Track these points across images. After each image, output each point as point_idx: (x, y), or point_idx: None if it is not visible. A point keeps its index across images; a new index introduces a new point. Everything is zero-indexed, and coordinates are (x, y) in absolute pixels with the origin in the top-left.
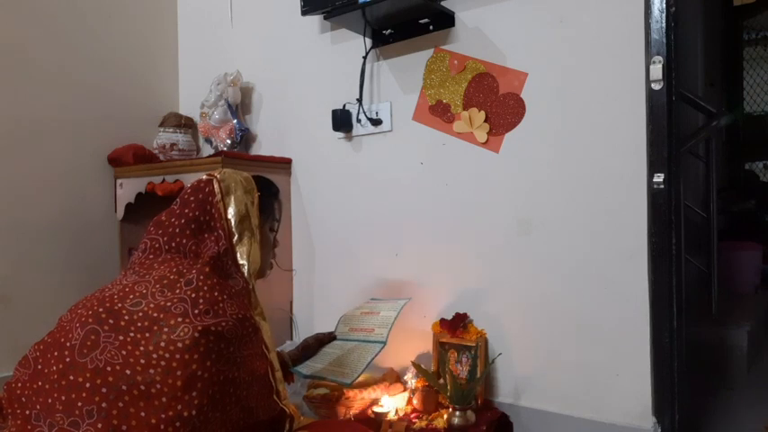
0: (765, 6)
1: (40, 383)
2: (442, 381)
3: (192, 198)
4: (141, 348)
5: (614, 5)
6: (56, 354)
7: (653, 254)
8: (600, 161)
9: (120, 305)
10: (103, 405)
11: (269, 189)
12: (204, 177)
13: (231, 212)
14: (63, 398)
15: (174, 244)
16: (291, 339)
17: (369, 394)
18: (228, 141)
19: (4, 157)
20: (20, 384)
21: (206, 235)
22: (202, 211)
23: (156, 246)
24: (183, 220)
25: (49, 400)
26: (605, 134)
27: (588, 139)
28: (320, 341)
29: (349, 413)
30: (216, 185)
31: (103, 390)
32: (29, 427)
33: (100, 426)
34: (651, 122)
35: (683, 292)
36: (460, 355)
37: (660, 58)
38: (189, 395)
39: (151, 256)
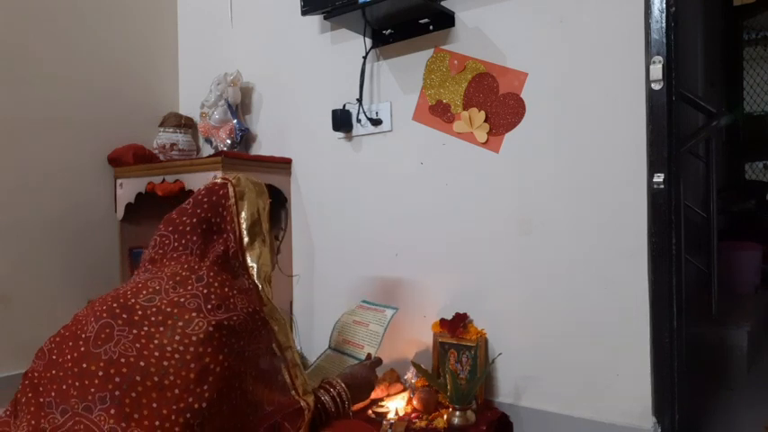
0: (765, 6)
1: (54, 372)
2: (441, 380)
3: (205, 199)
4: (155, 341)
5: (614, 5)
6: (70, 344)
7: (653, 254)
8: (600, 161)
9: (133, 300)
10: (116, 393)
11: (277, 198)
12: (219, 180)
13: (244, 216)
14: (77, 383)
15: (183, 241)
16: None
17: None
18: (228, 141)
19: (3, 156)
20: (36, 374)
21: (215, 237)
22: (214, 212)
23: (166, 242)
24: (194, 219)
25: (63, 387)
26: (605, 134)
27: (588, 139)
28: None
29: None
30: (230, 189)
31: (117, 379)
32: (42, 414)
33: (113, 411)
34: (651, 122)
35: (683, 292)
36: (460, 355)
37: (660, 58)
38: (201, 388)
39: (161, 251)
